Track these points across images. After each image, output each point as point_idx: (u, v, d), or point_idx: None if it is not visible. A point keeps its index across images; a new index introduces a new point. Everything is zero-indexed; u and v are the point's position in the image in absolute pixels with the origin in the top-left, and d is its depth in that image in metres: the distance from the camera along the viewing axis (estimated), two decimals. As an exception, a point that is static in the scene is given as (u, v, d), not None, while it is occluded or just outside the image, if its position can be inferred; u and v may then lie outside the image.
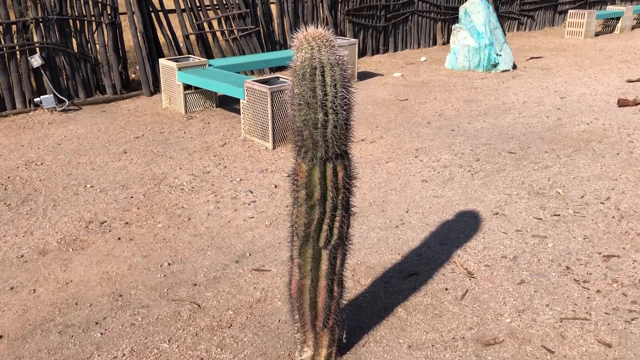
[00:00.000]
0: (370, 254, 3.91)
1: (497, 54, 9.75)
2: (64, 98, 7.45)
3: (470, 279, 3.57)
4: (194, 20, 8.84)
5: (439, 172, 5.32)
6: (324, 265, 2.63)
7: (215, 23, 9.10)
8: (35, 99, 7.24)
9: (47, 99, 7.22)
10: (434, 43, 12.28)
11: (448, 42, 12.31)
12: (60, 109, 7.33)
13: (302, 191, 2.51)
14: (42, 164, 5.67)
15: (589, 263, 3.74)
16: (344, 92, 2.35)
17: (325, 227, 2.55)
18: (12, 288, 3.63)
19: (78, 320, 3.27)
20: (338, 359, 2.90)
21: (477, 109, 7.48)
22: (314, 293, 2.69)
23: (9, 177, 5.33)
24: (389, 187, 5.03)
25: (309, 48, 2.32)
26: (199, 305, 3.39)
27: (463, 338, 3.04)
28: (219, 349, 3.00)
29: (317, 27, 2.45)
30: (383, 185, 5.06)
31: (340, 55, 2.36)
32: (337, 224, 2.56)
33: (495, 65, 9.78)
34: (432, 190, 4.94)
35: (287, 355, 2.94)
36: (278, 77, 6.30)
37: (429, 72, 9.70)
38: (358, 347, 2.99)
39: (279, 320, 3.22)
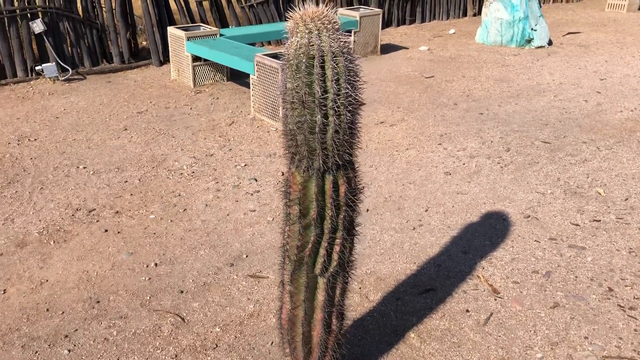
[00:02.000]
0: (382, 261, 3.45)
1: (531, 29, 9.04)
2: (67, 67, 7.03)
3: (495, 299, 3.10)
4: (208, -15, 8.29)
5: (464, 163, 4.79)
6: (321, 296, 2.18)
7: (230, -11, 8.55)
8: (37, 67, 6.83)
9: (49, 68, 6.81)
10: (464, 14, 11.55)
11: (479, 13, 11.56)
12: (62, 78, 6.92)
13: (295, 207, 2.04)
14: (35, 139, 5.29)
15: (636, 284, 3.23)
16: (348, 88, 1.86)
17: (322, 251, 2.09)
18: (-19, 287, 3.27)
19: (46, 332, 2.89)
20: (336, 397, 2.47)
21: (508, 90, 6.88)
22: (307, 327, 2.25)
23: (-2, 154, 4.95)
24: (407, 179, 4.53)
25: (306, 32, 1.83)
26: (182, 319, 2.98)
27: (485, 376, 2.59)
28: (199, 377, 2.60)
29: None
30: (401, 177, 4.56)
31: (345, 41, 1.86)
32: (337, 249, 2.10)
33: (529, 41, 9.08)
34: (456, 185, 4.43)
35: (278, 389, 2.53)
36: (292, 51, 5.77)
37: (458, 47, 9.05)
38: (361, 382, 2.56)
39: (272, 343, 2.80)
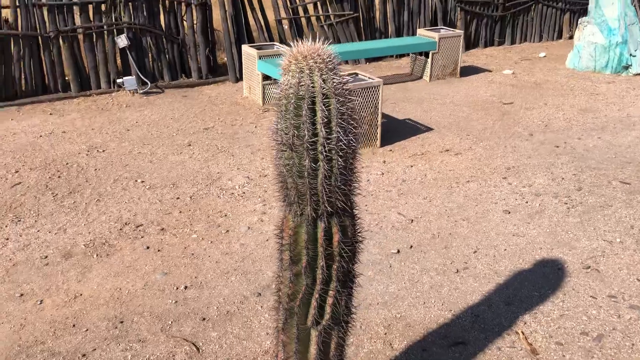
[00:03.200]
0: (415, 306, 3.23)
1: (630, 54, 8.36)
2: (147, 80, 7.32)
3: (532, 361, 2.80)
4: (288, 3, 8.37)
5: (527, 202, 4.45)
6: (313, 349, 2.04)
7: (310, 7, 8.58)
8: (118, 80, 7.17)
9: (129, 81, 7.12)
10: (559, 36, 10.92)
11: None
12: (141, 91, 7.21)
13: (287, 253, 1.92)
14: (103, 151, 5.50)
15: None
16: (340, 132, 1.72)
17: (313, 302, 1.95)
18: (21, 295, 3.39)
19: (67, 348, 2.94)
20: None
21: (593, 121, 6.37)
22: (300, 379, 2.10)
23: (67, 164, 5.19)
24: (461, 215, 4.26)
25: (297, 71, 1.71)
26: (197, 349, 2.93)
27: None
28: (199, 414, 2.52)
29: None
30: (455, 213, 4.30)
31: (339, 82, 1.72)
32: (329, 301, 1.95)
33: (626, 68, 8.40)
34: (514, 225, 4.10)
35: None
36: (357, 74, 5.67)
37: (546, 71, 8.54)
38: None
39: (280, 385, 2.67)
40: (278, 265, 2.00)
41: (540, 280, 3.45)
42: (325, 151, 1.73)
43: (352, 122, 1.74)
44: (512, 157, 5.36)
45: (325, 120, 1.71)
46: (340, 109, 1.71)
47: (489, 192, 4.64)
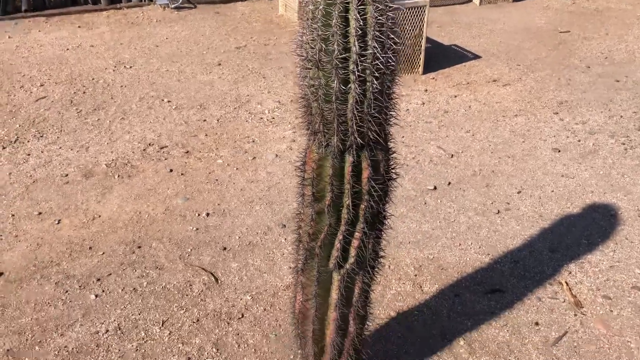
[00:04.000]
0: (450, 247, 2.99)
1: None
2: (179, -6, 6.96)
3: (576, 314, 2.56)
4: None
5: (579, 140, 4.08)
6: (334, 294, 1.83)
7: None
8: (149, -7, 6.83)
9: (161, -5, 6.78)
10: (626, -40, 9.96)
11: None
12: (173, 5, 6.87)
13: (309, 189, 1.68)
14: (131, 67, 5.27)
15: None
16: (377, 48, 1.42)
17: (337, 244, 1.72)
18: (40, 213, 3.28)
19: (81, 271, 2.82)
20: (353, 403, 2.15)
21: (659, 55, 5.81)
22: (319, 324, 1.92)
23: (93, 79, 5.00)
24: (506, 152, 3.94)
25: (329, -31, 1.40)
26: (216, 280, 2.78)
27: (538, 412, 2.13)
28: (214, 349, 2.39)
29: None
30: (499, 149, 3.97)
31: (379, -14, 1.41)
32: (355, 243, 1.72)
33: (700, -3, 7.61)
34: (563, 165, 3.77)
35: (291, 380, 2.25)
36: (401, -7, 5.20)
37: (609, -2, 7.82)
38: (386, 389, 2.21)
39: (300, 325, 2.51)
40: (299, 200, 1.77)
41: (590, 227, 3.16)
42: (358, 70, 1.44)
43: (392, 37, 1.44)
44: (565, 90, 4.93)
45: (360, 32, 1.41)
46: (379, 19, 1.41)
47: (538, 127, 4.27)
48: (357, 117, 1.51)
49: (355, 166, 1.61)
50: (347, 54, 1.43)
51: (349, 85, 1.47)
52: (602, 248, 2.98)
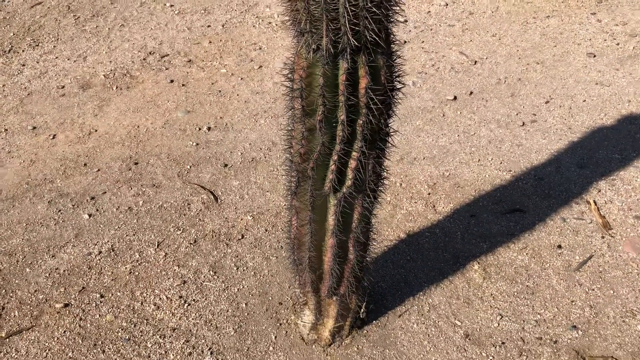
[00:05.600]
0: (468, 163, 2.76)
1: None
2: None
3: (603, 237, 2.35)
4: None
5: (618, 44, 3.69)
6: (331, 219, 1.64)
7: None
8: None
9: None
10: None
11: None
12: None
13: (297, 100, 1.44)
14: (132, -31, 4.91)
15: None
16: None
17: (331, 165, 1.51)
18: (34, 128, 3.12)
19: (75, 189, 2.68)
20: (356, 330, 2.02)
21: None
22: (316, 251, 1.75)
23: (91, -17, 4.67)
24: (535, 57, 3.59)
25: None
26: (215, 198, 2.62)
27: (555, 342, 1.97)
28: (211, 273, 2.26)
29: None
30: (528, 54, 3.62)
31: None
32: (352, 164, 1.50)
33: None
34: (599, 72, 3.42)
35: (292, 306, 2.12)
36: None
37: None
38: (392, 315, 2.07)
39: (302, 246, 2.36)
40: (288, 115, 1.54)
41: (624, 141, 2.88)
42: (350, -47, 1.16)
43: None
44: (605, -12, 4.45)
45: None
46: None
47: (572, 30, 3.88)
48: (350, 13, 1.24)
49: (351, 74, 1.36)
50: None
51: (340, -27, 1.19)
52: (637, 164, 2.71)
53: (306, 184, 1.59)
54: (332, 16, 1.26)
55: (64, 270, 2.27)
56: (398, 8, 1.33)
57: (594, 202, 2.50)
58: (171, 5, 4.35)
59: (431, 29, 3.96)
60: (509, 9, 4.18)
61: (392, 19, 1.34)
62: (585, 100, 3.17)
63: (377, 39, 1.31)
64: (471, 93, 3.27)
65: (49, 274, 2.26)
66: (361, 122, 1.43)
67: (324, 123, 1.43)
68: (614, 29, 3.87)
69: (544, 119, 3.04)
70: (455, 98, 3.23)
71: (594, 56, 3.57)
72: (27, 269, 2.28)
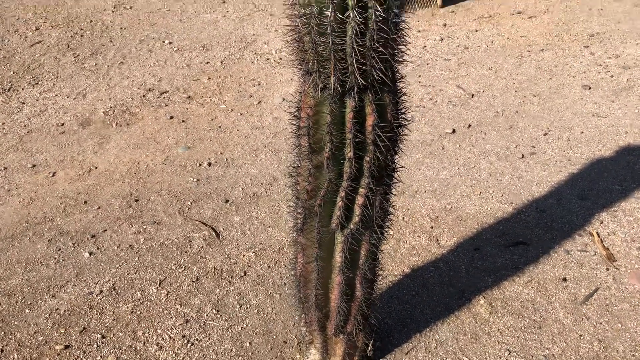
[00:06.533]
0: (469, 196, 2.76)
1: None
2: None
3: (608, 269, 2.34)
4: None
5: (612, 76, 3.75)
6: (338, 256, 1.63)
7: None
8: None
9: None
10: None
11: None
12: (175, -59, 6.46)
13: (305, 138, 1.45)
14: (131, 7, 4.98)
15: None
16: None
17: (339, 202, 1.50)
18: (34, 166, 3.11)
19: (76, 228, 2.66)
20: (363, 368, 1.99)
21: (701, -20, 5.32)
22: (322, 289, 1.73)
23: (91, 21, 4.73)
24: (531, 90, 3.63)
25: None
26: (217, 235, 2.60)
27: (565, 378, 1.94)
28: (214, 311, 2.23)
29: None
30: (524, 87, 3.67)
31: None
32: (359, 201, 1.50)
33: None
34: (595, 104, 3.46)
35: (297, 344, 2.09)
36: None
37: None
38: (399, 353, 2.04)
39: (306, 283, 2.34)
40: (295, 152, 1.54)
41: (624, 172, 2.90)
42: (358, -6, 1.18)
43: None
44: (597, 21, 4.54)
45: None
46: None
47: (566, 63, 3.94)
48: (358, 53, 1.25)
49: (358, 112, 1.37)
50: (344, -26, 1.17)
51: (347, 13, 1.21)
52: (638, 194, 2.72)
53: (313, 220, 1.58)
54: (339, 56, 1.27)
55: (65, 311, 2.24)
56: (404, 47, 1.35)
57: (597, 233, 2.50)
58: (170, 43, 4.40)
59: (427, 63, 4.01)
60: (503, 43, 4.25)
61: (398, 58, 1.35)
62: (583, 132, 3.20)
63: (383, 77, 1.33)
64: (470, 126, 3.29)
65: (49, 315, 2.22)
66: (368, 158, 1.43)
67: (332, 160, 1.43)
68: (607, 61, 3.93)
69: (543, 151, 3.06)
70: (454, 131, 3.25)
71: (590, 88, 3.62)
72: (27, 310, 2.24)
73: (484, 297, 2.23)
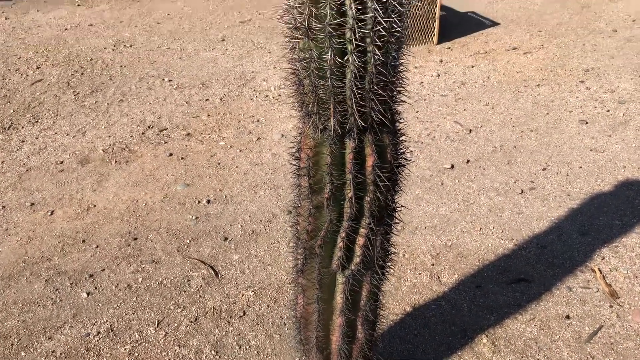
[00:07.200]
0: (469, 232, 2.75)
1: None
2: (181, -32, 6.67)
3: (611, 306, 2.32)
4: None
5: (609, 111, 3.78)
6: (339, 298, 1.61)
7: None
8: (150, -32, 6.55)
9: (162, -31, 6.49)
10: None
11: None
12: (175, -20, 6.59)
13: (305, 179, 1.45)
14: (131, 46, 5.05)
15: None
16: (378, 11, 1.17)
17: (339, 242, 1.49)
18: (32, 204, 3.10)
19: (74, 267, 2.64)
20: (365, 411, 1.94)
21: (692, 16, 5.42)
22: (323, 330, 1.70)
23: (91, 60, 4.78)
24: (529, 125, 3.66)
25: None
26: (216, 274, 2.58)
27: (572, 420, 1.90)
28: (213, 352, 2.19)
29: None
30: (521, 122, 3.69)
31: None
32: (360, 241, 1.49)
33: None
34: (592, 138, 3.48)
35: (297, 385, 2.05)
36: (413, -43, 4.87)
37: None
38: (402, 395, 2.00)
39: (306, 322, 2.30)
40: (295, 193, 1.54)
41: (623, 207, 2.89)
42: (356, 39, 1.19)
43: (398, -5, 1.19)
44: (591, 57, 4.60)
45: (358, -9, 1.16)
46: (381, -25, 1.15)
47: (562, 98, 3.98)
48: (358, 95, 1.26)
49: (358, 153, 1.37)
50: (343, 19, 1.18)
51: (346, 57, 1.22)
52: (639, 230, 2.71)
53: (313, 261, 1.57)
54: (339, 99, 1.28)
55: (61, 353, 2.20)
56: (403, 89, 1.36)
57: (599, 270, 2.48)
58: (169, 80, 4.44)
59: (425, 99, 4.04)
60: (499, 78, 4.30)
61: (397, 100, 1.36)
62: (581, 167, 3.20)
63: (383, 119, 1.33)
64: (468, 161, 3.30)
65: (45, 358, 2.18)
66: (369, 199, 1.43)
67: (332, 200, 1.42)
68: (603, 96, 3.97)
69: (542, 186, 3.06)
70: (452, 166, 3.26)
71: (586, 123, 3.64)
72: (23, 353, 2.21)
73: (487, 336, 2.20)
